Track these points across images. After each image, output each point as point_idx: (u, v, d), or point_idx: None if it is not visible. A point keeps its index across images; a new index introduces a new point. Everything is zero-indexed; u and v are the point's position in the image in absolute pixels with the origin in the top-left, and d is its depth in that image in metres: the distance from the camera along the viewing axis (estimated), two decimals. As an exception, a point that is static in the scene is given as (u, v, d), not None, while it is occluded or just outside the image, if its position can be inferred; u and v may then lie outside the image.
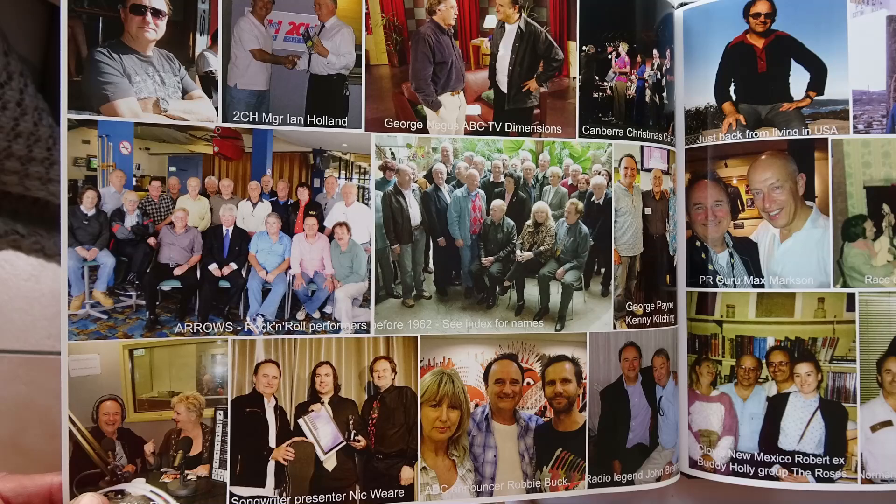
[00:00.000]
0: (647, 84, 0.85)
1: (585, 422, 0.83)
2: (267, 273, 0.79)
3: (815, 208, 0.84)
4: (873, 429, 0.83)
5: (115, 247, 0.76)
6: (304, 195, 0.80)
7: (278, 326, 0.78)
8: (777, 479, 0.84)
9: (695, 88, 0.88)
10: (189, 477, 0.76)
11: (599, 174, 0.84)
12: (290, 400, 0.78)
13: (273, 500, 0.77)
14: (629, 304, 0.84)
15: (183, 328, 0.76)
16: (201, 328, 0.76)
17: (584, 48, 0.83)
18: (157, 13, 0.75)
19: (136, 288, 0.76)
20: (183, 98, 0.76)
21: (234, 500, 0.76)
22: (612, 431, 0.84)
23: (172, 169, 0.77)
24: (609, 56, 0.84)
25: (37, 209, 1.03)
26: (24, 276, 1.47)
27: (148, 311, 0.75)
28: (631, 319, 0.84)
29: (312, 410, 0.79)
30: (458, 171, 0.83)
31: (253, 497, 0.77)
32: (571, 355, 0.83)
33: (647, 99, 0.85)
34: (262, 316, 0.78)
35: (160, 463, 0.75)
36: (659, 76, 0.86)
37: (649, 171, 0.86)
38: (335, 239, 0.80)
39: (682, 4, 0.89)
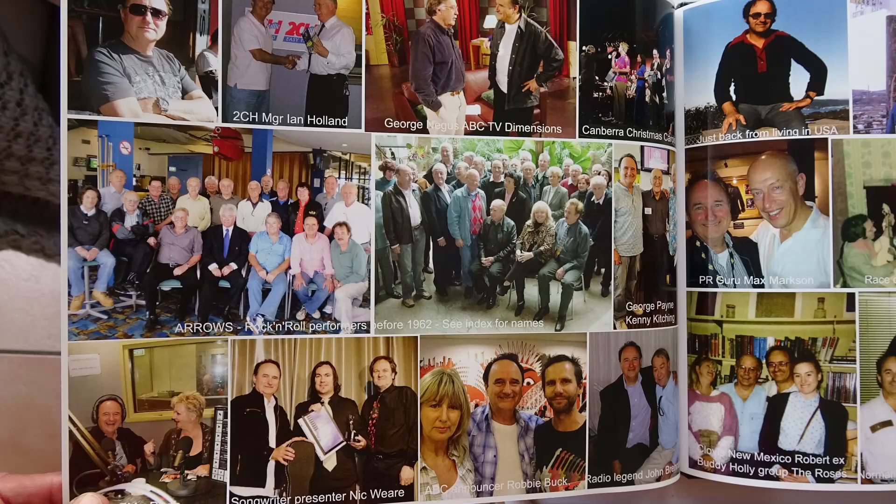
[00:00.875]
0: (647, 84, 0.85)
1: (585, 422, 0.83)
2: (267, 273, 0.79)
3: (815, 208, 0.84)
4: (873, 429, 0.83)
5: (115, 247, 0.76)
6: (304, 195, 0.80)
7: (278, 326, 0.78)
8: (777, 479, 0.84)
9: (695, 88, 0.88)
10: (189, 477, 0.76)
11: (599, 174, 0.84)
12: (290, 400, 0.78)
13: (273, 500, 0.77)
14: (629, 304, 0.84)
15: (183, 328, 0.76)
16: (201, 328, 0.76)
17: (584, 48, 0.83)
18: (157, 13, 0.75)
19: (136, 288, 0.76)
20: (183, 98, 0.76)
21: (234, 500, 0.76)
22: (612, 431, 0.84)
23: (172, 169, 0.77)
24: (609, 56, 0.84)
25: (37, 209, 1.03)
26: (24, 276, 1.47)
27: (148, 311, 0.75)
28: (631, 319, 0.84)
29: (312, 410, 0.79)
30: (458, 171, 0.83)
31: (253, 497, 0.77)
32: (571, 355, 0.83)
33: (647, 99, 0.85)
34: (262, 316, 0.78)
35: (160, 463, 0.75)
36: (659, 76, 0.86)
37: (649, 171, 0.86)
38: (335, 239, 0.80)
39: (682, 4, 0.89)
